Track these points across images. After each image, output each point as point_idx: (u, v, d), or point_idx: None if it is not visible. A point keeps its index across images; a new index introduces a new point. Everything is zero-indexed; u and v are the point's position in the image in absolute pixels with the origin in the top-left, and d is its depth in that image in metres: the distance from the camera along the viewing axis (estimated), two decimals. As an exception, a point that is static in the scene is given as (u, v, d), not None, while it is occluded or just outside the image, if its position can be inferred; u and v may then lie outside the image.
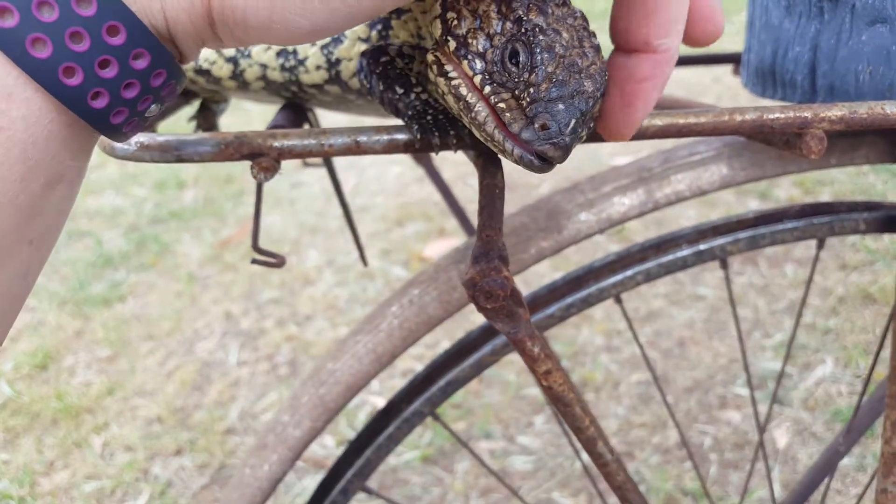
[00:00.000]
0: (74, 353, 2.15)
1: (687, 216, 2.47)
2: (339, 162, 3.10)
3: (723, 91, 3.39)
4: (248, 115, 3.70)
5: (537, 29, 0.35)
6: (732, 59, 0.80)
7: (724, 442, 1.65)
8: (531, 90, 0.34)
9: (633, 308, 2.11)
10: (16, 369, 2.09)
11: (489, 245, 0.39)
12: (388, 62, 0.43)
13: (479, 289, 0.39)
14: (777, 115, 0.42)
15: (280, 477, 0.64)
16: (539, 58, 0.34)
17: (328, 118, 3.12)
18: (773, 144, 0.45)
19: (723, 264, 0.69)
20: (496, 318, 0.40)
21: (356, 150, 0.39)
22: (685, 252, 0.65)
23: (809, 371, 1.82)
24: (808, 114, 0.42)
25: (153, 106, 0.31)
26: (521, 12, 0.35)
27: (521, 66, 0.34)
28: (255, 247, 0.56)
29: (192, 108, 0.72)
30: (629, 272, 0.65)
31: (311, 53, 0.51)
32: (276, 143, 0.37)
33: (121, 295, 2.38)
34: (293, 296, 2.30)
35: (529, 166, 0.33)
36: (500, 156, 0.36)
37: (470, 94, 0.36)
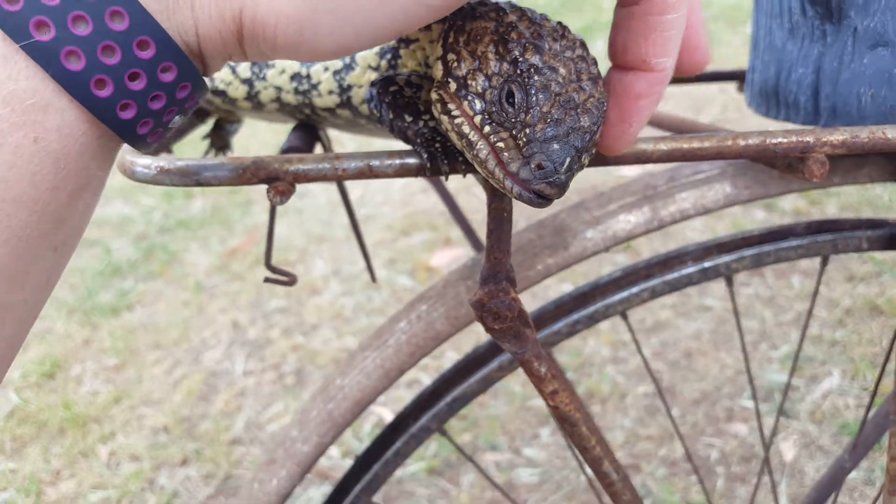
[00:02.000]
0: (82, 362, 2.16)
1: (693, 227, 2.47)
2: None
3: (728, 102, 3.39)
4: (253, 128, 3.72)
5: (532, 69, 0.36)
6: (737, 76, 0.81)
7: (730, 455, 1.64)
8: (527, 130, 0.35)
9: (639, 319, 2.11)
10: (24, 377, 2.11)
11: (498, 267, 0.40)
12: (397, 91, 0.44)
13: (487, 310, 0.40)
14: (780, 139, 0.42)
15: (289, 492, 0.64)
16: (534, 98, 0.35)
17: (339, 138, 3.14)
18: (776, 167, 0.46)
19: (728, 282, 0.69)
20: (504, 338, 0.41)
21: (369, 174, 0.40)
22: (690, 269, 0.66)
23: (816, 383, 1.82)
24: (810, 138, 0.43)
25: (177, 117, 0.32)
26: (517, 52, 0.36)
27: (517, 106, 0.35)
28: (268, 265, 0.57)
29: (206, 127, 0.73)
30: (635, 289, 0.65)
31: (324, 79, 0.52)
32: (292, 168, 0.38)
33: (129, 304, 2.39)
34: (300, 305, 2.31)
35: (528, 203, 0.34)
36: (503, 192, 0.37)
37: (472, 133, 0.37)
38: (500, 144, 0.35)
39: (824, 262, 0.70)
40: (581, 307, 0.67)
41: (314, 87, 0.53)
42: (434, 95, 0.39)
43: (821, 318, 2.02)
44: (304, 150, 0.52)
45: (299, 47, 0.32)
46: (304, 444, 0.63)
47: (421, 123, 0.41)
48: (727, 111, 3.34)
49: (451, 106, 0.38)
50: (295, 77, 0.54)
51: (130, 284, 2.50)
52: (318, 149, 0.73)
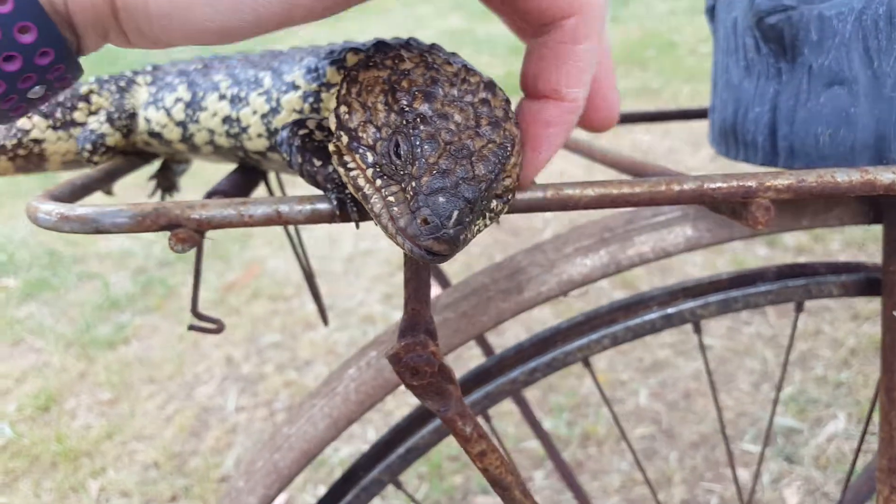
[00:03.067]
0: (77, 396, 2.15)
1: (694, 262, 2.44)
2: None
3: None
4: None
5: (418, 119, 0.34)
6: (706, 114, 0.79)
7: (731, 501, 1.59)
8: (413, 184, 0.33)
9: (637, 358, 2.07)
10: (19, 410, 2.10)
11: (415, 319, 0.38)
12: (307, 135, 0.43)
13: (404, 364, 0.38)
14: (718, 184, 0.40)
15: (233, 545, 0.61)
16: (419, 150, 0.33)
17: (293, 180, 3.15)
18: (721, 212, 0.43)
19: (695, 328, 0.66)
20: (424, 395, 0.39)
21: (278, 220, 0.38)
22: (653, 315, 0.63)
23: (821, 427, 1.76)
24: (752, 183, 0.40)
25: (37, 87, 0.30)
26: (405, 102, 0.35)
27: (403, 158, 0.34)
28: (195, 311, 0.55)
29: (151, 168, 0.72)
30: (595, 336, 0.63)
31: (253, 122, 0.52)
32: (195, 215, 0.37)
33: (125, 337, 2.38)
34: (294, 340, 2.29)
35: (422, 259, 0.32)
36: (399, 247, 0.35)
37: (366, 186, 0.35)
38: (391, 199, 0.33)
39: (799, 308, 0.67)
40: (541, 353, 0.64)
41: (244, 130, 0.52)
42: (331, 147, 0.38)
43: (825, 359, 1.97)
44: (235, 194, 0.50)
45: (173, 20, 0.30)
46: (249, 495, 0.61)
47: (331, 168, 0.40)
48: (701, 148, 3.32)
49: (346, 158, 0.36)
50: (226, 120, 0.53)
51: (128, 318, 2.49)
52: (262, 191, 0.72)
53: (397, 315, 2.36)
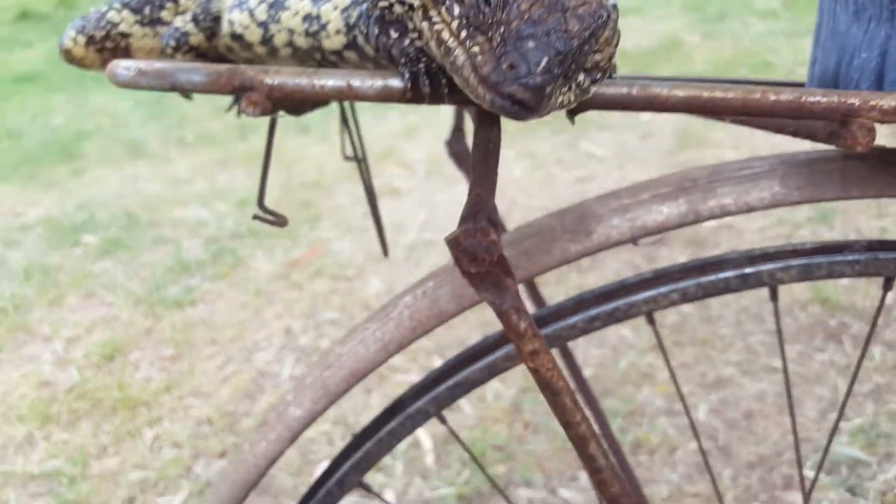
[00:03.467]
0: (141, 349, 2.22)
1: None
2: (411, 196, 3.13)
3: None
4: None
5: None
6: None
7: (784, 525, 1.51)
8: (502, 29, 0.32)
9: (700, 373, 1.99)
10: (86, 357, 2.19)
11: (478, 206, 0.37)
12: (387, 7, 0.42)
13: (463, 250, 0.36)
14: (818, 98, 0.38)
15: (276, 456, 0.62)
16: None
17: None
18: (816, 138, 0.41)
19: (772, 294, 0.63)
20: (481, 285, 0.37)
21: (348, 93, 0.37)
22: (729, 274, 0.60)
23: (890, 462, 1.66)
24: (855, 100, 0.38)
25: None
26: None
27: (493, 5, 0.33)
28: (261, 204, 0.55)
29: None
30: (663, 289, 0.60)
31: (332, 18, 0.52)
32: (268, 80, 0.37)
33: (192, 300, 2.45)
34: (351, 319, 2.31)
35: (504, 111, 0.31)
36: (480, 105, 0.34)
37: (450, 39, 0.34)
38: (475, 49, 0.32)
39: (887, 285, 0.62)
40: (602, 304, 0.62)
41: (323, 27, 0.53)
42: (417, 2, 0.37)
43: (901, 393, 1.86)
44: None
45: None
46: (296, 408, 0.61)
47: (407, 41, 0.39)
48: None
49: (432, 13, 0.36)
50: (307, 18, 0.54)
51: (196, 282, 2.57)
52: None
53: (457, 303, 2.35)
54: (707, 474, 1.62)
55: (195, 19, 0.62)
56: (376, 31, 0.42)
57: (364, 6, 0.44)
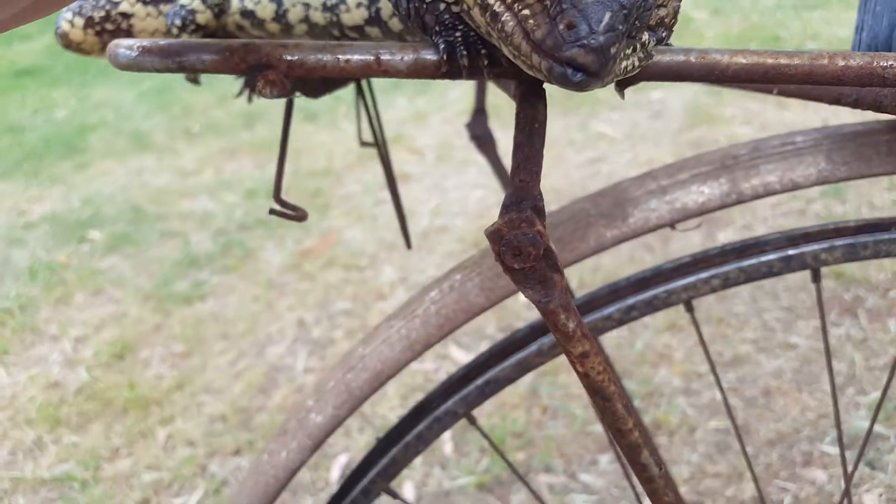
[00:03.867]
0: (151, 346, 2.20)
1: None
2: (422, 182, 3.09)
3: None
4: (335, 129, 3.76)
5: None
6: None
7: (805, 502, 1.49)
8: None
9: (717, 352, 1.96)
10: (95, 356, 2.17)
11: (523, 193, 0.34)
12: None
13: (506, 243, 0.33)
14: (891, 62, 0.34)
15: (297, 466, 0.59)
16: None
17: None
18: (885, 109, 0.37)
19: (815, 276, 0.59)
20: (525, 282, 0.34)
21: (377, 68, 0.34)
22: (772, 257, 0.57)
23: (912, 436, 1.63)
24: (930, 65, 0.34)
25: None
26: None
27: None
28: (277, 197, 0.52)
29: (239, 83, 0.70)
30: (704, 275, 0.57)
31: None
32: (287, 56, 0.33)
33: (202, 294, 2.43)
34: (365, 309, 2.28)
35: (562, 81, 0.27)
36: (535, 76, 0.30)
37: (496, 3, 0.30)
38: (526, 11, 0.28)
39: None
40: (639, 293, 0.59)
41: (342, 0, 0.49)
42: None
43: (926, 366, 1.83)
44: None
45: None
46: (318, 415, 0.58)
47: (442, 6, 0.35)
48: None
49: None
50: None
51: (206, 276, 2.54)
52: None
53: (469, 290, 2.32)
54: (728, 453, 1.60)
55: None
56: None
57: None
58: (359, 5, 0.48)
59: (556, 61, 0.27)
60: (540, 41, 0.27)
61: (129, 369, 2.11)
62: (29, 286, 2.58)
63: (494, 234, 0.33)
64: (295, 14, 0.52)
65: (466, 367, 0.62)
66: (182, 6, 0.58)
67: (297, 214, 0.53)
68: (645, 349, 1.99)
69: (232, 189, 3.21)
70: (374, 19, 0.48)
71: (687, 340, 2.00)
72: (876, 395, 1.74)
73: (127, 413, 1.95)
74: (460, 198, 2.99)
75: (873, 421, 0.74)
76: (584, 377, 0.35)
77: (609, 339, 2.02)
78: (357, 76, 0.33)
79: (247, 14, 0.56)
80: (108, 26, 0.61)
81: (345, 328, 2.20)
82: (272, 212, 0.54)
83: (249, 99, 0.71)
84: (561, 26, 0.26)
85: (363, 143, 0.81)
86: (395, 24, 0.47)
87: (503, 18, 0.29)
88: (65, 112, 4.50)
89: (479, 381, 0.58)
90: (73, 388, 2.06)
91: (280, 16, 0.54)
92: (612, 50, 0.26)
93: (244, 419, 1.87)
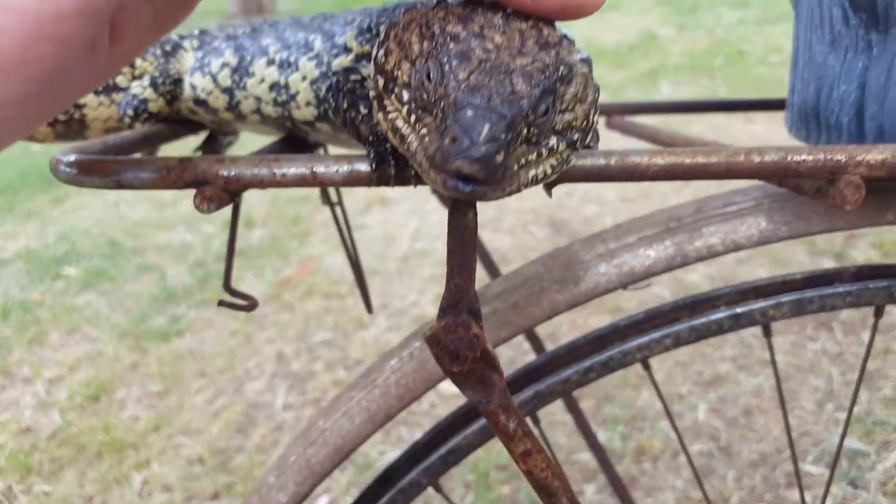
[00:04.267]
0: (127, 386, 2.18)
1: (758, 276, 2.33)
2: (401, 205, 3.10)
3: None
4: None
5: (450, 38, 0.30)
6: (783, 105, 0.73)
7: (791, 525, 1.50)
8: (443, 104, 0.29)
9: (696, 371, 1.98)
10: (69, 398, 2.14)
11: (458, 296, 0.34)
12: (359, 81, 0.40)
13: (443, 348, 0.34)
14: (804, 156, 0.35)
15: (262, 542, 0.59)
16: (448, 66, 0.29)
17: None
18: (804, 192, 0.39)
19: (766, 331, 0.61)
20: (465, 383, 0.35)
21: (312, 181, 0.35)
22: (721, 315, 0.58)
23: (888, 450, 1.65)
24: (841, 156, 0.36)
25: None
26: (437, 28, 0.32)
27: (433, 81, 0.30)
28: (227, 287, 0.52)
29: (198, 139, 0.71)
30: (656, 335, 0.58)
31: (302, 88, 0.49)
32: (224, 171, 0.34)
33: (179, 330, 2.42)
34: (345, 338, 2.28)
35: (455, 193, 0.28)
36: (438, 189, 0.31)
37: (404, 126, 0.31)
38: (424, 131, 0.30)
39: (878, 314, 0.61)
40: (597, 352, 0.60)
41: (292, 97, 0.50)
42: (372, 93, 0.34)
43: (894, 380, 1.85)
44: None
45: None
46: (279, 492, 0.58)
47: (376, 120, 0.36)
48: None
49: (385, 102, 0.33)
50: (274, 87, 0.51)
51: (183, 311, 2.53)
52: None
53: (447, 318, 2.32)
54: (712, 477, 1.61)
55: (153, 84, 0.58)
56: (345, 106, 0.39)
57: (334, 80, 0.41)
58: (308, 104, 0.49)
59: (447, 174, 0.28)
60: (431, 157, 0.28)
61: (105, 411, 2.08)
62: (1, 326, 2.55)
63: (432, 339, 0.34)
64: (247, 106, 0.53)
65: (429, 433, 0.62)
66: (134, 95, 0.58)
67: (248, 304, 0.54)
68: (626, 372, 2.00)
69: (210, 220, 3.20)
70: (323, 116, 0.49)
71: (666, 361, 2.02)
72: (855, 410, 1.77)
73: (101, 458, 1.91)
74: (440, 221, 3.00)
75: (842, 438, 0.75)
76: (528, 474, 0.36)
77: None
78: (293, 186, 0.34)
79: (200, 103, 0.57)
80: (61, 116, 0.61)
81: (325, 360, 2.19)
82: (221, 303, 0.54)
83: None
84: (446, 141, 0.27)
85: (324, 202, 0.82)
86: (341, 122, 0.48)
87: (408, 140, 0.31)
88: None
89: (443, 451, 0.59)
90: (46, 433, 2.02)
91: (233, 106, 0.54)
92: (499, 158, 0.27)
93: (222, 461, 1.85)
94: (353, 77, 0.40)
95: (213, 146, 0.70)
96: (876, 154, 0.35)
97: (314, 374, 2.14)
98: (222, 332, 2.39)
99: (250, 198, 3.03)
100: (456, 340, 0.34)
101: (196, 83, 0.58)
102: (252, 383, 2.13)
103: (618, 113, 0.79)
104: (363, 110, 0.38)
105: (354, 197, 3.25)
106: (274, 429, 1.93)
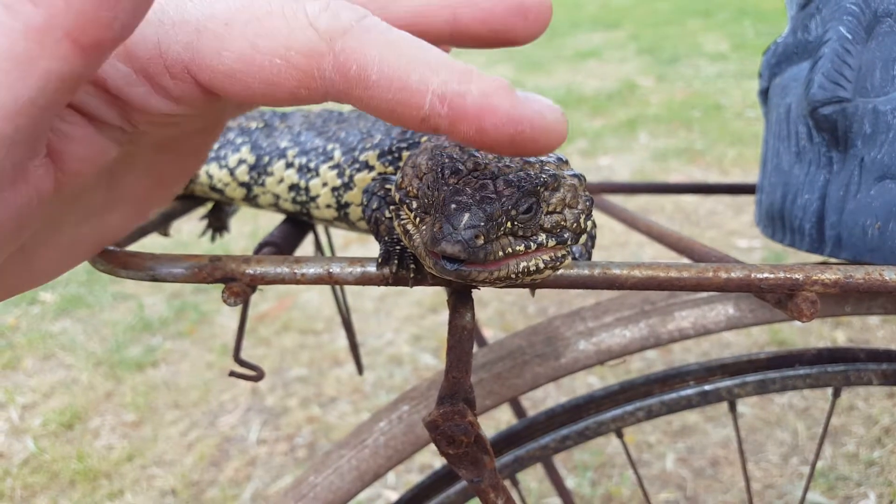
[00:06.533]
0: (102, 415, 2.17)
1: (730, 344, 2.40)
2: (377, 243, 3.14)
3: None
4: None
5: (447, 158, 0.36)
6: (753, 190, 0.79)
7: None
8: (436, 205, 0.35)
9: (665, 421, 2.03)
10: (44, 425, 2.12)
11: (456, 387, 0.38)
12: (389, 190, 0.45)
13: (441, 433, 0.38)
14: (766, 274, 0.40)
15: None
16: (442, 175, 0.35)
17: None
18: (765, 301, 0.43)
19: (731, 406, 0.65)
20: (459, 464, 0.39)
21: (329, 280, 0.39)
22: (690, 392, 0.62)
23: (851, 506, 1.71)
24: (799, 275, 0.40)
25: None
26: (439, 151, 0.38)
27: (432, 189, 0.36)
28: (237, 358, 0.56)
29: (204, 208, 0.74)
30: (629, 407, 0.62)
31: (322, 193, 0.53)
32: (249, 270, 0.38)
33: (154, 360, 2.41)
34: (320, 375, 2.29)
35: (442, 271, 0.33)
36: (434, 273, 0.36)
37: (411, 227, 0.37)
38: (423, 227, 0.36)
39: (836, 394, 0.66)
40: (573, 420, 0.64)
41: (312, 199, 0.54)
42: (392, 207, 0.40)
43: (857, 436, 1.92)
44: (285, 246, 0.51)
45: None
46: (270, 542, 0.61)
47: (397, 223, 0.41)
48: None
49: (401, 213, 0.39)
50: (293, 188, 0.54)
51: (158, 341, 2.53)
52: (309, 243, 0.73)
53: (425, 357, 2.35)
54: (676, 529, 1.64)
55: None
56: (374, 206, 0.44)
57: (371, 184, 0.46)
58: (328, 206, 0.53)
59: (435, 256, 0.33)
60: (424, 244, 0.34)
61: (79, 439, 2.08)
62: (-25, 352, 2.53)
63: (431, 424, 0.38)
64: (265, 200, 0.57)
65: (412, 491, 0.66)
66: None
67: (256, 375, 0.57)
68: (595, 418, 2.04)
69: (189, 250, 3.21)
70: (342, 219, 0.54)
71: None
72: (818, 465, 1.82)
73: (74, 486, 1.90)
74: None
75: (805, 491, 0.79)
76: (512, 546, 0.40)
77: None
78: (311, 284, 0.38)
79: (216, 190, 0.60)
80: None
81: (299, 396, 2.20)
82: (232, 374, 0.58)
83: (213, 238, 0.75)
84: (435, 229, 0.33)
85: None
86: (363, 225, 0.53)
87: (413, 236, 0.36)
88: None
89: (425, 508, 0.62)
90: (19, 458, 2.01)
91: (250, 199, 0.58)
92: (479, 241, 0.33)
93: (195, 493, 1.85)
94: (387, 185, 0.45)
95: (218, 215, 0.73)
96: (830, 274, 0.40)
97: (288, 410, 2.15)
98: (197, 364, 2.39)
99: (230, 232, 3.05)
100: (453, 427, 0.38)
101: (213, 173, 0.60)
102: (226, 417, 2.13)
103: (596, 191, 0.85)
104: (388, 214, 0.44)
105: (335, 231, 3.28)
106: (247, 463, 1.94)
